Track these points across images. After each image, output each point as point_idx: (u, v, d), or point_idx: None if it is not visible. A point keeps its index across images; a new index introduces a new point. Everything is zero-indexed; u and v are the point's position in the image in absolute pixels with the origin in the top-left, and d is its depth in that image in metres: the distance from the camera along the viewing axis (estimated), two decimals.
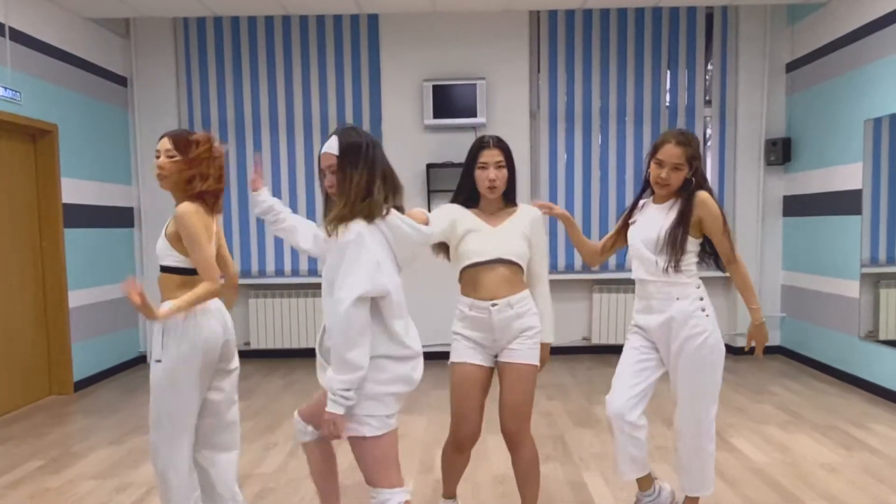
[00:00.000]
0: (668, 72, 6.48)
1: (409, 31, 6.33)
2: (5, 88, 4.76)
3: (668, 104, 6.50)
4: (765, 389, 5.24)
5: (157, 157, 2.58)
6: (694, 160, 2.70)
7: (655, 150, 2.74)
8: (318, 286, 6.46)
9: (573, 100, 6.49)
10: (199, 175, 2.55)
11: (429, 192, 6.28)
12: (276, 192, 6.54)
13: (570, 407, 4.84)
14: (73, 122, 5.57)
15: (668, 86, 6.50)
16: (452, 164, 6.22)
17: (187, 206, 2.49)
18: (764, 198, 6.44)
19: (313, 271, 6.59)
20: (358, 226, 2.08)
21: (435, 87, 6.19)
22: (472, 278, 2.66)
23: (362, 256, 2.06)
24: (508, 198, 2.74)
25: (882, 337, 5.06)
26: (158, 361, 2.48)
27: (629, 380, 2.80)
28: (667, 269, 2.68)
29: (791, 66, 6.26)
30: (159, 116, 6.47)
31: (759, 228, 6.45)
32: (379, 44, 6.39)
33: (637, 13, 6.40)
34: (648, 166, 2.79)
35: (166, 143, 2.57)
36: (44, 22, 5.25)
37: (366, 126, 6.51)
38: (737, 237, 6.42)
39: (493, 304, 2.61)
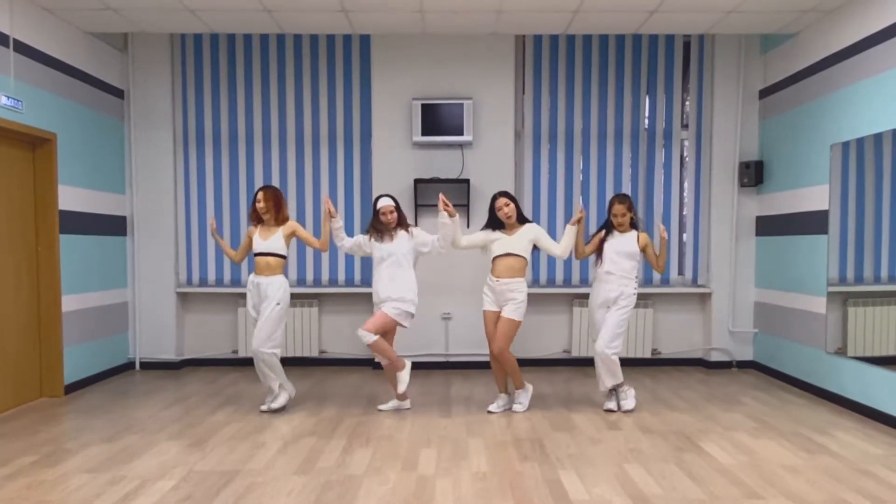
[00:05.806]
0: (647, 96, 6.76)
1: (399, 51, 6.55)
2: (8, 97, 4.93)
3: (646, 127, 6.77)
4: (736, 400, 5.44)
5: (259, 203, 4.99)
6: (631, 208, 4.99)
7: (610, 209, 5.03)
8: (304, 296, 6.62)
9: (556, 121, 6.74)
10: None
11: (416, 206, 6.46)
12: None
13: (549, 413, 5.01)
14: (71, 131, 5.73)
15: (647, 109, 6.77)
16: (439, 180, 6.43)
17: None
18: (738, 218, 6.69)
19: (302, 281, 6.74)
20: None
21: (423, 106, 6.42)
22: (493, 265, 4.94)
23: None
24: (521, 220, 4.98)
25: (850, 353, 5.20)
26: (278, 304, 4.91)
27: (603, 330, 4.97)
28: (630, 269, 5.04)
29: (763, 93, 6.56)
30: (154, 128, 6.63)
31: (733, 247, 6.69)
32: (370, 63, 6.60)
33: (618, 39, 6.69)
34: (607, 218, 5.06)
35: (267, 195, 5.02)
36: (46, 35, 5.43)
37: (356, 142, 6.72)
38: (712, 255, 6.69)
39: (498, 281, 4.87)
